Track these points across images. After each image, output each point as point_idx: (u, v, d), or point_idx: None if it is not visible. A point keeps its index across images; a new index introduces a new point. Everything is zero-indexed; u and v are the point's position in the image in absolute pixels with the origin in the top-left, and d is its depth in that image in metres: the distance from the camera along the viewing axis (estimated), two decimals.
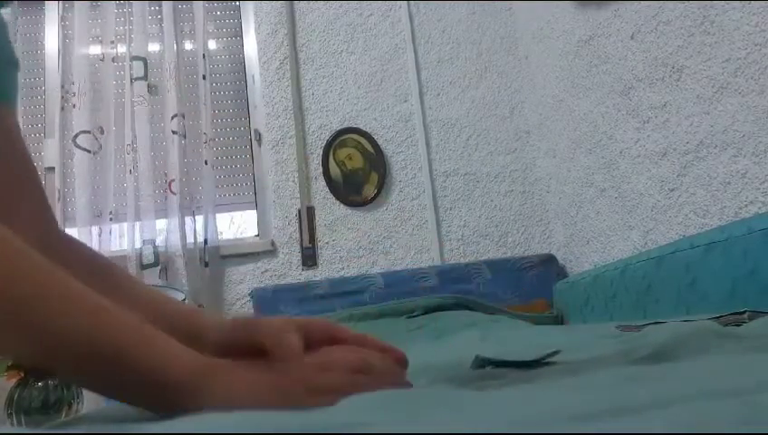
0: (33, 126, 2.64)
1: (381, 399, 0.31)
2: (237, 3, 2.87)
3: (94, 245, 2.45)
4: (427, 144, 2.75)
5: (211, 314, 0.66)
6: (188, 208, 2.54)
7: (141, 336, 0.48)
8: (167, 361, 0.47)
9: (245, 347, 0.52)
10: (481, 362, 0.65)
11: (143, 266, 2.44)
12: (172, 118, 2.57)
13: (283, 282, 2.59)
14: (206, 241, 2.51)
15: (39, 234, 0.66)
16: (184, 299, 2.29)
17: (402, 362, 0.58)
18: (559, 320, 2.27)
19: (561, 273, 2.55)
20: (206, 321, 0.62)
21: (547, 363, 0.63)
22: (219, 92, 2.77)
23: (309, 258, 2.62)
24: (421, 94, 2.79)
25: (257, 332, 0.52)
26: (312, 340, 0.56)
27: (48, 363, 0.46)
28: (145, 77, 2.60)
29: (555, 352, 0.66)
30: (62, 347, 0.45)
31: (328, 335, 0.58)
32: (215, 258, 2.55)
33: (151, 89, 2.62)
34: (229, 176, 2.73)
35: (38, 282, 0.46)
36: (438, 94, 2.81)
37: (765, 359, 0.43)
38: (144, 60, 2.62)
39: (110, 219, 2.48)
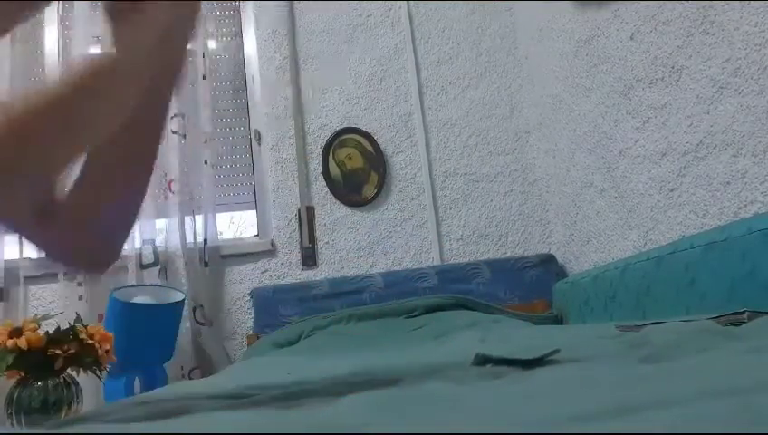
0: None
1: (382, 398, 0.31)
2: (237, 3, 2.86)
3: None
4: (427, 144, 2.75)
5: None
6: (188, 208, 2.53)
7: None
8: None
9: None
10: (482, 360, 0.65)
11: (143, 266, 2.44)
12: (172, 117, 2.57)
13: (282, 282, 2.59)
14: (205, 241, 2.51)
15: None
16: (184, 299, 2.29)
17: None
18: (558, 320, 2.27)
19: (561, 273, 2.55)
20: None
21: (547, 362, 0.63)
22: (219, 92, 2.77)
23: (309, 258, 2.62)
24: (421, 94, 2.79)
25: None
26: None
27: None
28: None
29: (555, 351, 0.66)
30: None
31: None
32: (214, 258, 2.55)
33: None
34: (229, 176, 2.73)
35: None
36: (438, 94, 2.81)
37: (764, 359, 0.43)
38: None
39: None
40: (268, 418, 0.28)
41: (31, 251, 2.33)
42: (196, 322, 2.42)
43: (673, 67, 1.73)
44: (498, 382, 0.53)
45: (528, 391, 0.36)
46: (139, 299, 2.17)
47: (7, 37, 2.55)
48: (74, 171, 0.66)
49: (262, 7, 2.81)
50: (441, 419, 0.28)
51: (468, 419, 0.28)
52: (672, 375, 0.36)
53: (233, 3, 2.87)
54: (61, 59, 2.60)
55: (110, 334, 1.92)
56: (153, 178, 2.60)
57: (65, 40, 2.65)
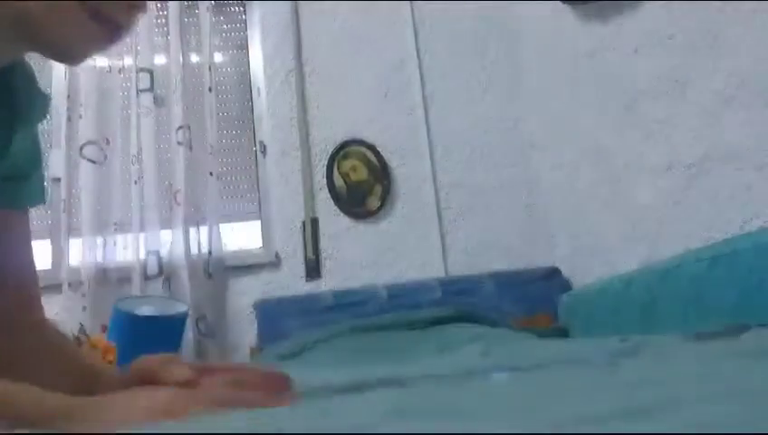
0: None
1: (389, 401, 0.31)
2: (243, 16, 2.89)
3: (98, 255, 2.45)
4: (432, 156, 2.75)
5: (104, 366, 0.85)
6: (193, 219, 2.54)
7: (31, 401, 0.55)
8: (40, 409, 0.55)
9: (145, 378, 0.62)
10: None
11: (147, 277, 2.44)
12: (178, 129, 2.58)
13: (286, 294, 2.58)
14: (210, 252, 2.51)
15: (22, 317, 0.77)
16: (187, 311, 2.29)
17: (283, 385, 0.61)
18: (563, 333, 2.26)
19: (566, 286, 2.54)
20: (103, 370, 0.77)
21: (548, 367, 0.62)
22: (225, 104, 2.79)
23: (313, 270, 2.62)
24: (426, 107, 2.79)
25: (148, 360, 0.64)
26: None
27: None
28: (151, 89, 2.62)
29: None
30: None
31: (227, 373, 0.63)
32: (218, 269, 2.54)
33: (157, 100, 2.64)
34: (234, 187, 2.73)
35: None
36: (443, 107, 2.81)
37: (765, 364, 0.43)
38: (150, 72, 2.64)
39: (115, 230, 2.49)
40: (273, 419, 0.27)
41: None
42: (200, 333, 2.42)
43: (677, 81, 1.74)
44: (497, 386, 0.52)
45: (533, 393, 0.36)
46: (142, 310, 2.17)
47: None
48: None
49: (267, 20, 2.83)
50: (449, 420, 0.28)
51: (474, 421, 0.28)
52: (678, 379, 0.36)
53: (239, 16, 2.89)
54: (68, 70, 2.61)
55: (113, 345, 1.91)
56: (158, 189, 2.60)
57: None
